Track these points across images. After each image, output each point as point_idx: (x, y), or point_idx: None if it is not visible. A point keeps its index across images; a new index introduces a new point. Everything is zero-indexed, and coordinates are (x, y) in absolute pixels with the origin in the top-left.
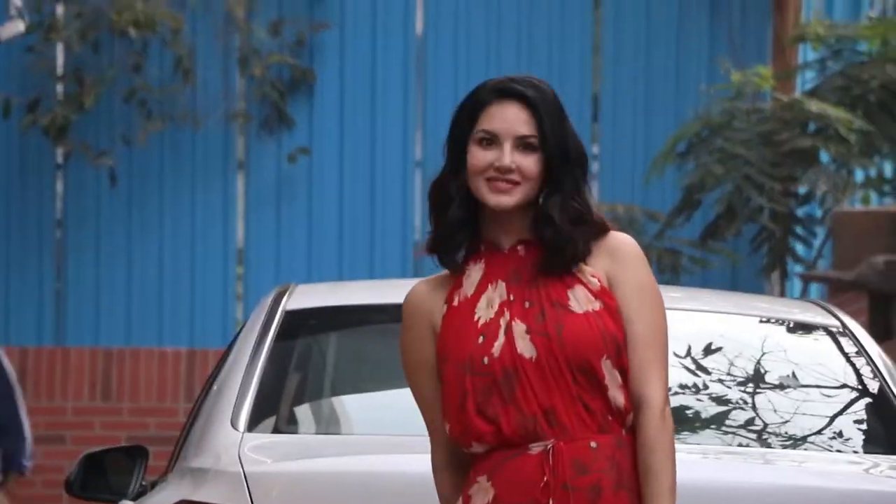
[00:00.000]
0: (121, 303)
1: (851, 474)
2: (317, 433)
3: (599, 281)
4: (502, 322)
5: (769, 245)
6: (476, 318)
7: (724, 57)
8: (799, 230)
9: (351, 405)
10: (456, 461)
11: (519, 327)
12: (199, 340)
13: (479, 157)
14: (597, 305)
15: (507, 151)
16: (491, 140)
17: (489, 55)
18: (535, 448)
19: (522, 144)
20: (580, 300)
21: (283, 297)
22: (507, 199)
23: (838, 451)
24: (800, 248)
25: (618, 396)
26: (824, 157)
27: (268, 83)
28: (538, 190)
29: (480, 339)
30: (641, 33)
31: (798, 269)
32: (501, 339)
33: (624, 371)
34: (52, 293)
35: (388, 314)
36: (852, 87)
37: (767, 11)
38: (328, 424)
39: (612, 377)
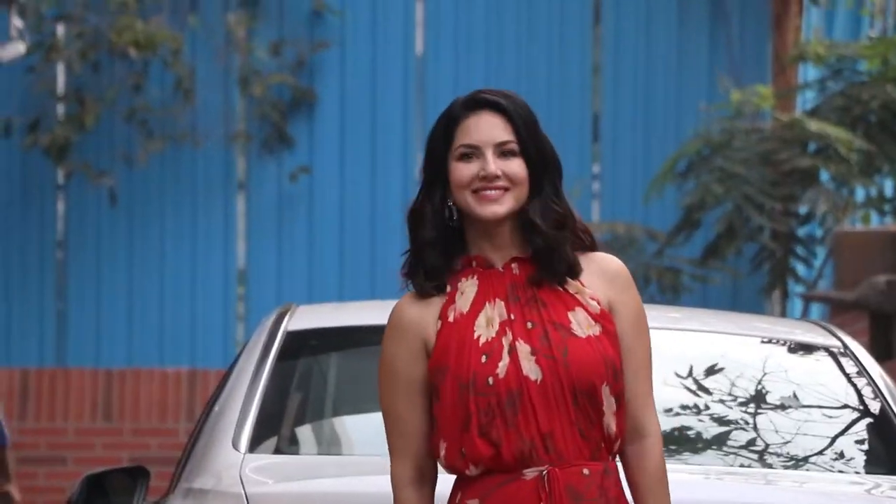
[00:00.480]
0: (122, 323)
1: (853, 495)
2: (318, 454)
3: (599, 304)
4: (505, 342)
5: (770, 264)
6: (476, 335)
7: (723, 76)
8: (799, 250)
9: (352, 426)
10: (422, 478)
11: (524, 348)
12: (201, 361)
13: (463, 171)
14: (597, 330)
15: (490, 159)
16: (471, 154)
17: (489, 75)
18: (530, 474)
19: (503, 151)
20: (581, 323)
21: (284, 318)
22: (497, 208)
23: (840, 471)
24: (800, 267)
25: (611, 424)
26: (824, 176)
27: (268, 103)
28: (527, 196)
29: (484, 359)
30: (641, 52)
31: (799, 288)
32: (506, 359)
33: (619, 398)
34: (53, 314)
35: None
36: (853, 106)
37: (767, 30)
38: (329, 445)
39: (608, 404)
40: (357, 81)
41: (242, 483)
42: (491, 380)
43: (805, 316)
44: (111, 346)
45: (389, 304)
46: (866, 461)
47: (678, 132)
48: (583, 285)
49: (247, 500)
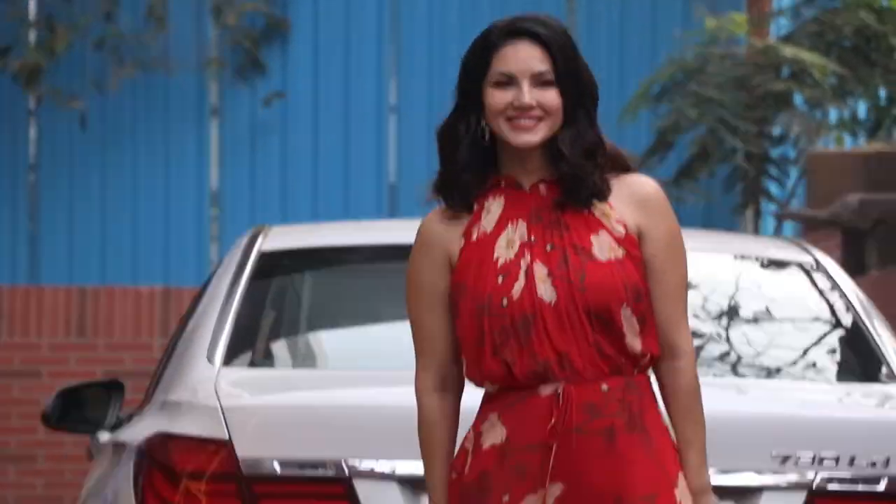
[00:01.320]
0: (95, 244)
1: (824, 402)
2: (292, 368)
3: (625, 228)
4: (523, 264)
5: (743, 185)
6: (495, 257)
7: (698, 3)
8: (772, 170)
9: (326, 341)
10: (444, 386)
11: (541, 270)
12: (174, 280)
13: (497, 98)
14: (620, 253)
15: (526, 89)
16: (508, 81)
17: (463, 8)
18: (545, 390)
19: (539, 81)
20: (604, 247)
21: (257, 238)
22: (530, 137)
23: (812, 380)
24: (773, 187)
25: (635, 343)
26: (798, 99)
27: (241, 31)
28: (561, 124)
29: (500, 280)
30: None
31: (772, 208)
32: (522, 281)
33: (643, 318)
34: (25, 235)
35: (362, 255)
36: (826, 32)
37: None
38: (304, 359)
39: (629, 325)
40: (331, 8)
41: (217, 395)
42: (505, 301)
43: (778, 234)
44: (84, 266)
45: (362, 225)
46: (839, 371)
47: (653, 58)
48: (611, 208)
49: (222, 412)
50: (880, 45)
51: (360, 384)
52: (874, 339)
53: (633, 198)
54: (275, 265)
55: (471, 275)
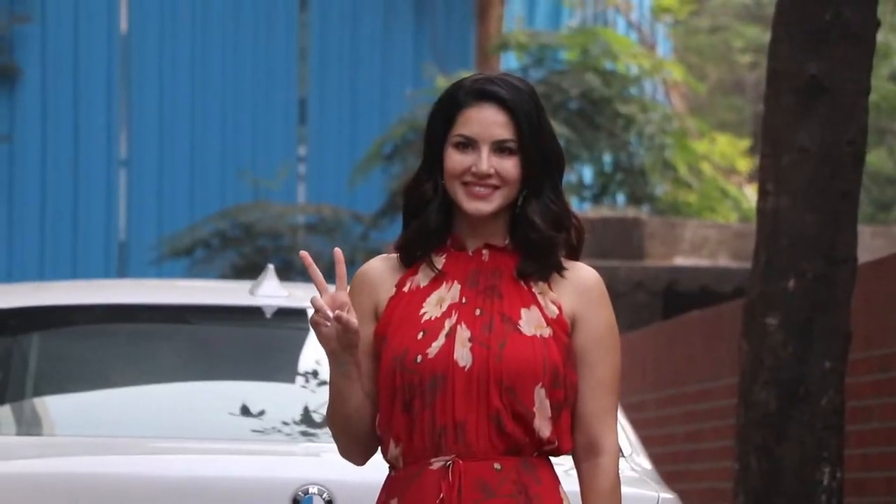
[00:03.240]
0: None
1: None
2: (18, 434)
3: (560, 310)
4: (447, 324)
5: None
6: (422, 312)
7: (428, 63)
8: None
9: (53, 406)
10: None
11: (463, 333)
12: None
13: (456, 161)
14: (546, 332)
15: (485, 157)
16: (468, 144)
17: (195, 54)
18: (437, 463)
19: (500, 148)
20: (532, 322)
21: None
22: (484, 206)
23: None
24: None
25: (543, 427)
26: None
27: None
28: (516, 194)
29: (420, 335)
30: (347, 39)
31: None
32: (441, 340)
33: (559, 407)
34: None
35: (92, 315)
36: (554, 94)
37: (471, 19)
38: (29, 426)
39: (541, 406)
40: (60, 57)
41: None
42: (419, 358)
43: None
44: None
45: (91, 284)
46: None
47: (384, 118)
48: (550, 288)
49: None
50: (605, 110)
51: (87, 451)
52: None
53: (574, 284)
54: (1, 325)
55: (393, 326)
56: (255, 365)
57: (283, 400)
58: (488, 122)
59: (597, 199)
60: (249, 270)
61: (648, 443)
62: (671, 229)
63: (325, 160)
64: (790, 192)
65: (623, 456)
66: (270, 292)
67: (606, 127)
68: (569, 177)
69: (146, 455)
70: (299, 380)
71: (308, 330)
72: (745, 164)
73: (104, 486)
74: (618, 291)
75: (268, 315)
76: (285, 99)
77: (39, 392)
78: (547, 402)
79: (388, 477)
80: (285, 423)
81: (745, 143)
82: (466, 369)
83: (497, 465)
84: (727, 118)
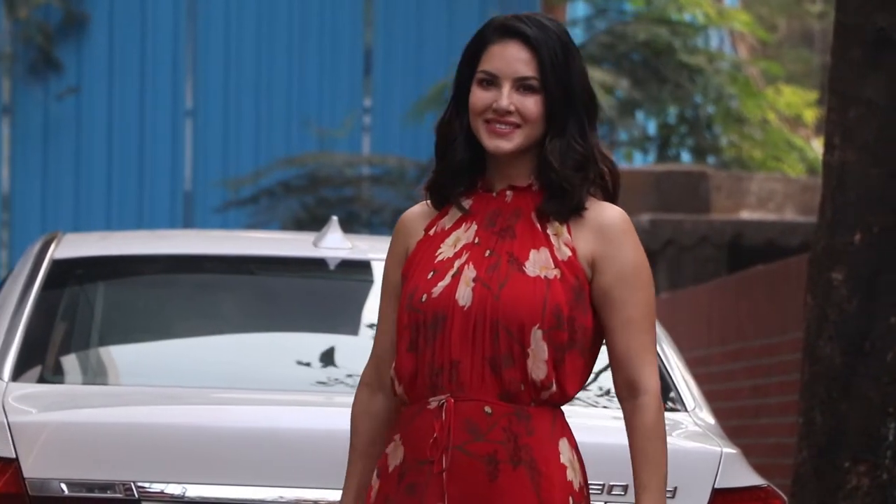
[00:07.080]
0: None
1: (608, 429)
2: (83, 383)
3: (573, 253)
4: (456, 264)
5: None
6: (437, 252)
7: (495, 12)
8: None
9: (119, 356)
10: (377, 382)
11: (469, 273)
12: None
13: (478, 97)
14: (553, 273)
15: (506, 93)
16: (491, 81)
17: (261, 4)
18: (433, 402)
19: (522, 86)
20: (538, 263)
21: (50, 246)
22: (504, 144)
23: (594, 405)
24: None
25: (538, 370)
26: None
27: (34, 25)
28: (542, 133)
29: (430, 275)
30: None
31: None
32: (447, 280)
33: (561, 348)
34: None
35: (157, 265)
36: (618, 44)
37: None
38: (95, 375)
39: (538, 348)
40: (127, 7)
41: (5, 412)
42: (425, 297)
43: None
44: None
45: (157, 234)
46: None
47: (449, 70)
48: (570, 231)
49: (9, 428)
50: (670, 61)
51: (152, 401)
52: (662, 365)
53: (594, 225)
54: (67, 274)
55: (413, 267)
56: (318, 317)
57: (346, 352)
58: (511, 58)
59: (660, 151)
60: (312, 223)
61: (712, 397)
62: (737, 182)
63: (391, 112)
64: (856, 146)
65: (686, 410)
66: (334, 244)
67: (671, 78)
68: (631, 130)
69: (210, 405)
70: (362, 331)
71: (371, 281)
72: (811, 115)
73: (168, 435)
74: (683, 245)
75: (331, 267)
76: (351, 50)
77: (105, 342)
78: (544, 345)
79: (399, 413)
80: (349, 375)
81: (813, 96)
82: (465, 308)
83: (488, 409)
84: (795, 70)
